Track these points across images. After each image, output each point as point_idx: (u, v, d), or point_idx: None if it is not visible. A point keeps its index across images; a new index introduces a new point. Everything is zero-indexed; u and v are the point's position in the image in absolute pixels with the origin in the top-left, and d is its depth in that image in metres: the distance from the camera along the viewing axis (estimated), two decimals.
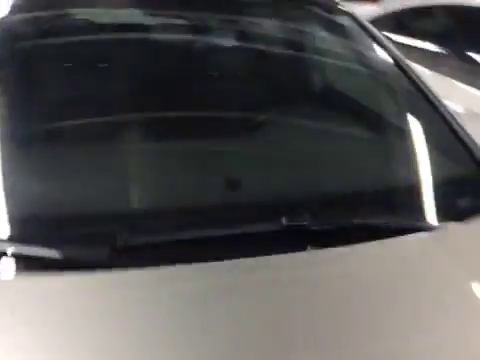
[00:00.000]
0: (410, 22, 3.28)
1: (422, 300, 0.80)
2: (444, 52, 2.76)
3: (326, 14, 1.60)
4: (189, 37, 1.51)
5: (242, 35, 1.59)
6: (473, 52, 2.56)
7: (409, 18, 3.27)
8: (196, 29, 1.53)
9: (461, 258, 0.90)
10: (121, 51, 1.32)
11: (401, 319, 0.76)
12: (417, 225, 0.97)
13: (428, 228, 0.97)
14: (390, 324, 0.75)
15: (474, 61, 2.53)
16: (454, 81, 2.35)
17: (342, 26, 1.54)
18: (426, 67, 2.36)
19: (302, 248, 0.85)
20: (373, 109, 1.40)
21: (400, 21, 3.21)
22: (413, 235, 0.93)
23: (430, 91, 1.33)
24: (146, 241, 0.82)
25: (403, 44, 2.75)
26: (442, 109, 1.30)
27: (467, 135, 1.23)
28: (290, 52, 1.62)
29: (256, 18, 1.62)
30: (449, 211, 1.03)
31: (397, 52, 1.47)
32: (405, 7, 3.07)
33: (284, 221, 0.86)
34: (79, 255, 0.81)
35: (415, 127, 1.26)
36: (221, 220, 0.89)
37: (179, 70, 1.33)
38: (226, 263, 0.80)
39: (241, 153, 1.12)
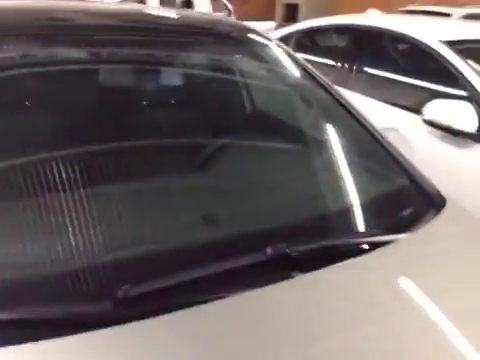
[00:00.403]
0: (309, 41, 3.58)
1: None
2: (343, 66, 3.05)
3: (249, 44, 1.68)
4: (113, 70, 1.51)
5: (171, 69, 1.64)
6: (368, 67, 2.87)
7: (308, 37, 3.57)
8: (123, 62, 1.53)
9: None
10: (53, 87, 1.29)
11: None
12: (374, 240, 1.08)
13: (385, 243, 1.06)
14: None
15: (370, 74, 2.85)
16: (363, 96, 2.62)
17: (269, 55, 1.64)
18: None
19: (289, 275, 0.91)
20: (309, 132, 1.52)
21: (299, 40, 3.50)
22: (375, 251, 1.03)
23: (359, 113, 1.48)
24: (145, 290, 0.81)
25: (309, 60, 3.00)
26: (369, 127, 1.46)
27: (396, 150, 1.41)
28: (223, 82, 1.70)
29: (183, 52, 1.65)
30: (401, 222, 1.17)
31: (321, 76, 1.61)
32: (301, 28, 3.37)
33: (269, 251, 0.92)
34: (81, 312, 0.78)
35: (353, 149, 1.41)
36: (209, 258, 0.91)
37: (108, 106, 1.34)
38: (224, 301, 0.84)
39: (199, 187, 1.16)
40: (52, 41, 1.32)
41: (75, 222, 0.90)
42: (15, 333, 0.73)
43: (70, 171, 0.95)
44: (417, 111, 2.30)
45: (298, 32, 3.53)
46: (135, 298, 0.80)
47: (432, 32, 2.60)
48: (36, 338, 0.72)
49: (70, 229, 0.89)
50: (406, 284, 0.99)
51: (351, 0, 10.66)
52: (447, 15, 6.04)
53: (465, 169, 2.11)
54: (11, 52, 1.20)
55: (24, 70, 1.31)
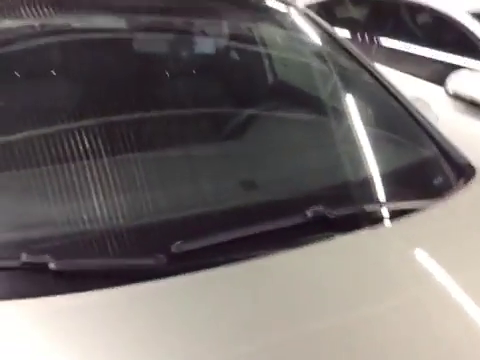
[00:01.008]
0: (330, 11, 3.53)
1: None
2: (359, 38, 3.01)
3: (280, 11, 1.68)
4: (141, 38, 1.52)
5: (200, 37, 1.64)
6: (390, 39, 2.84)
7: (329, 8, 3.51)
8: (148, 31, 1.54)
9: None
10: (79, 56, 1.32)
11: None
12: (405, 207, 1.09)
13: (414, 210, 1.09)
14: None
15: (392, 47, 2.82)
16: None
17: (298, 21, 1.64)
18: None
19: (329, 236, 0.95)
20: (342, 101, 1.53)
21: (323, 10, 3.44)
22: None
23: (389, 82, 1.49)
24: (197, 246, 0.86)
25: None
26: (399, 96, 1.47)
27: (425, 119, 1.42)
28: (251, 49, 1.71)
29: (210, 19, 1.66)
30: (431, 190, 1.20)
31: (350, 44, 1.61)
32: None
33: (308, 214, 0.95)
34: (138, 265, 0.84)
35: (382, 118, 1.42)
36: (256, 219, 0.95)
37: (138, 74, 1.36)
38: (273, 258, 0.88)
39: (240, 155, 1.19)
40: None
41: (138, 184, 0.95)
42: (81, 282, 0.80)
43: (127, 138, 1.00)
44: (441, 83, 2.29)
45: (316, 4, 3.48)
46: (186, 253, 0.85)
47: (457, 2, 2.55)
48: (100, 287, 0.78)
49: (132, 191, 0.95)
50: (432, 251, 1.02)
51: None
52: None
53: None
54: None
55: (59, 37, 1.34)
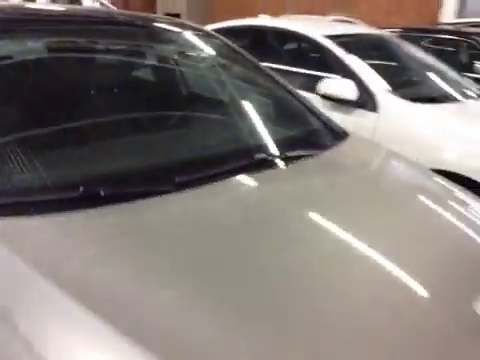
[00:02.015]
0: None
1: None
2: None
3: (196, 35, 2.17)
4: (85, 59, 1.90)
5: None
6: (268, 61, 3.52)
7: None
8: (90, 53, 1.92)
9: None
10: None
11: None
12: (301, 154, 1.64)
13: (313, 154, 1.66)
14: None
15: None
16: None
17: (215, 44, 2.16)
18: None
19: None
20: (253, 90, 2.12)
21: None
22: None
23: (283, 80, 2.08)
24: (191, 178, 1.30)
25: None
26: (294, 91, 2.06)
27: (311, 103, 2.04)
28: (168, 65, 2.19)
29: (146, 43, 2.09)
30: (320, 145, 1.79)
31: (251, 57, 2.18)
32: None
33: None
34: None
35: (284, 104, 2.02)
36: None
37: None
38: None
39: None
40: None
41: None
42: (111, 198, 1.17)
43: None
44: (311, 91, 3.00)
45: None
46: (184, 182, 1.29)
47: (317, 29, 3.34)
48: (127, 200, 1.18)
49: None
50: (318, 180, 1.59)
51: (225, 12, 11.78)
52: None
53: (349, 128, 2.83)
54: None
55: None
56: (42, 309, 0.85)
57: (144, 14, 2.14)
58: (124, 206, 1.16)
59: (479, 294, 1.13)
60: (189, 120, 1.83)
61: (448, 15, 8.78)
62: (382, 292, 1.06)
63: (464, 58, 5.24)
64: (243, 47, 3.35)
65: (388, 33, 4.11)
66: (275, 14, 8.36)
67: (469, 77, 4.01)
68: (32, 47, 1.66)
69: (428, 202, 1.59)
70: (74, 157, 1.33)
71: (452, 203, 1.63)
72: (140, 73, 2.06)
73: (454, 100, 3.07)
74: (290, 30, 3.49)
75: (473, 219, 1.52)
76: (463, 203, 1.62)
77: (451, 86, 3.27)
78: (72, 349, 0.79)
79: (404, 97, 2.88)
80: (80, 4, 6.36)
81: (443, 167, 2.43)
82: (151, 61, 2.05)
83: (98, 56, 1.85)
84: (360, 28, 4.26)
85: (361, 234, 1.25)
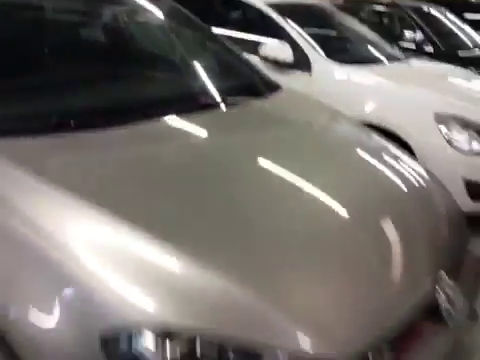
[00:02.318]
0: None
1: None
2: None
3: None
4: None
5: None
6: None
7: None
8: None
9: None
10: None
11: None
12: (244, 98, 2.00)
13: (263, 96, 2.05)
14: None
15: None
16: None
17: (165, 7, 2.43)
18: None
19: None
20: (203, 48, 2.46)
21: None
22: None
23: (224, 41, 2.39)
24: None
25: None
26: (237, 50, 2.39)
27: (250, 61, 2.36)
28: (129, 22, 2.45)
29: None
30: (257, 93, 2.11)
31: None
32: None
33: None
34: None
35: (230, 60, 2.36)
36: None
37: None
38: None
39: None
40: None
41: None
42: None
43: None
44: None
45: None
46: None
47: None
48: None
49: None
50: (261, 116, 1.97)
51: None
52: None
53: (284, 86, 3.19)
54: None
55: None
56: (36, 195, 1.14)
57: None
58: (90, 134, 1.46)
59: (384, 214, 1.46)
60: (145, 72, 2.11)
61: None
62: (305, 205, 1.37)
63: (398, 28, 5.71)
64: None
65: (327, 4, 4.47)
66: None
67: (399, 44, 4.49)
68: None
69: (346, 139, 1.99)
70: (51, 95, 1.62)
71: (363, 138, 2.02)
72: (100, 32, 2.30)
73: (379, 62, 3.48)
74: None
75: (383, 157, 1.86)
76: (398, 157, 1.93)
77: (378, 51, 3.69)
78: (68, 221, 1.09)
79: (335, 60, 3.25)
80: None
81: (366, 120, 2.82)
82: (110, 21, 2.31)
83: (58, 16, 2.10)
84: None
85: (286, 155, 1.62)
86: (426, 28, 5.22)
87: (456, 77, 3.58)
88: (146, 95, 1.79)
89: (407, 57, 3.84)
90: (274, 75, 2.85)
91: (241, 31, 3.62)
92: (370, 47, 3.77)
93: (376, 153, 1.86)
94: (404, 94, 2.97)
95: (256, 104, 2.01)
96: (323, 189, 1.44)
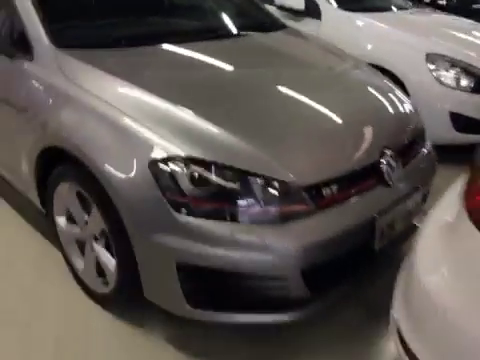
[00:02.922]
0: None
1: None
2: None
3: None
4: None
5: None
6: None
7: None
8: None
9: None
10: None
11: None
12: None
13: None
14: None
15: None
16: None
17: None
18: None
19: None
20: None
21: None
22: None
23: None
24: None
25: None
26: None
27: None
28: None
29: None
30: (268, 28, 2.60)
31: None
32: None
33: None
34: None
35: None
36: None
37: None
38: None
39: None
40: None
41: None
42: None
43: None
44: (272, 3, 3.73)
45: None
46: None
47: None
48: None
49: None
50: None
51: None
52: None
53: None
54: None
55: None
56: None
57: None
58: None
59: (358, 113, 1.92)
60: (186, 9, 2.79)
61: None
62: (324, 109, 1.86)
63: None
64: None
65: None
66: None
67: None
68: None
69: (350, 71, 2.43)
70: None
71: (357, 71, 2.46)
72: None
73: (384, 11, 3.85)
74: None
75: (379, 84, 2.32)
76: (369, 73, 2.46)
77: (384, 1, 4.06)
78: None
79: (344, 8, 3.65)
80: None
81: (365, 60, 3.24)
82: None
83: None
84: None
85: (302, 74, 2.17)
86: None
87: (452, 25, 3.94)
88: (186, 26, 2.44)
89: (413, 7, 4.19)
90: (288, 21, 3.31)
91: None
92: None
93: (355, 73, 2.41)
94: (400, 37, 3.37)
95: (263, 35, 2.54)
96: (313, 91, 1.98)
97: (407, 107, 2.14)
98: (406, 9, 4.08)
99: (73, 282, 1.99)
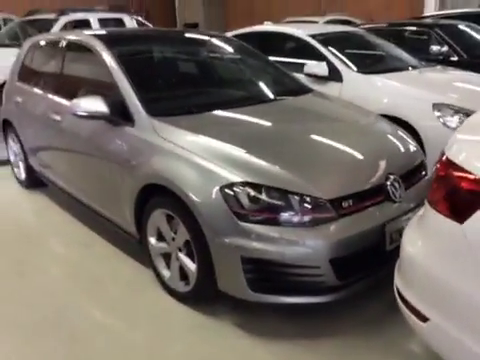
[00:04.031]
0: None
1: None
2: None
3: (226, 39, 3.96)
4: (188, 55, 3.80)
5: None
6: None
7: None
8: (190, 53, 3.81)
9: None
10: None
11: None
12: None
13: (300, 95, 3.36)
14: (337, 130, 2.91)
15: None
16: None
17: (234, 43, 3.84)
18: None
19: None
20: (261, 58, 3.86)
21: None
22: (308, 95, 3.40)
23: (268, 59, 3.80)
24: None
25: None
26: (276, 64, 3.74)
27: (286, 71, 3.67)
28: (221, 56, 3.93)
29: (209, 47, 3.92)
30: (297, 92, 3.38)
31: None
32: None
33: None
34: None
35: (270, 69, 3.76)
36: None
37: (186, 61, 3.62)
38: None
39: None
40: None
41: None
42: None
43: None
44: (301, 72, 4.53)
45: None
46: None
47: (303, 31, 4.89)
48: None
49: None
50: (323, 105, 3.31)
51: (236, 20, 13.67)
52: (315, 22, 8.67)
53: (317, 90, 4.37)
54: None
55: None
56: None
57: (200, 30, 3.99)
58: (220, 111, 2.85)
59: (370, 147, 2.63)
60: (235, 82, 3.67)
61: (430, 9, 10.15)
62: (343, 147, 2.58)
63: (425, 43, 6.69)
64: (255, 46, 4.93)
65: (357, 29, 5.64)
66: (278, 18, 9.93)
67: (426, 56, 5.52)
68: (153, 47, 3.57)
69: (363, 120, 3.14)
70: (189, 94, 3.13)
71: (370, 120, 3.15)
72: (209, 59, 3.92)
73: (398, 71, 4.56)
74: (285, 32, 5.09)
75: (388, 129, 3.00)
76: (380, 121, 3.15)
77: (398, 62, 4.80)
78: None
79: (360, 71, 4.40)
80: (124, 25, 8.01)
81: (382, 112, 3.91)
82: (208, 53, 3.91)
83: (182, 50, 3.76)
84: (335, 27, 5.80)
85: (326, 124, 2.91)
86: (451, 42, 6.19)
87: (457, 78, 4.60)
88: (236, 95, 3.31)
89: (424, 66, 4.89)
90: (314, 85, 4.08)
91: (290, 57, 4.92)
92: (392, 59, 4.91)
93: (369, 122, 3.11)
94: (410, 92, 4.04)
95: (295, 98, 3.30)
96: (335, 135, 2.69)
97: (409, 145, 2.79)
98: (418, 68, 4.79)
99: (155, 293, 2.66)
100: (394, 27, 7.27)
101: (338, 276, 2.16)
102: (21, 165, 4.40)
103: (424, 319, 1.59)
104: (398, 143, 2.77)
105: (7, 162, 4.77)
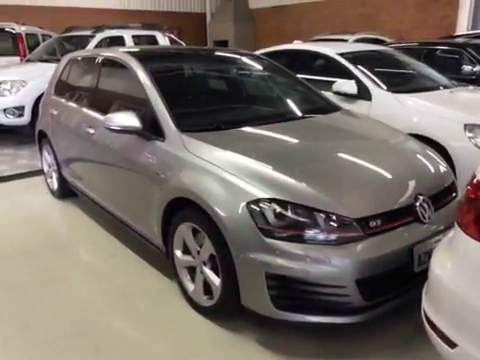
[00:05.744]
0: None
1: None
2: None
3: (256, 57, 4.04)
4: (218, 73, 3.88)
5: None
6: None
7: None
8: (220, 70, 3.88)
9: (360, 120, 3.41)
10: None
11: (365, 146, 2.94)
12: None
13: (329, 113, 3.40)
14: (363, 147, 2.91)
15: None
16: None
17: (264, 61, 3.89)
18: None
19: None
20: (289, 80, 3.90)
21: None
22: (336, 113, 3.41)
23: (298, 77, 3.83)
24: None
25: None
26: (307, 83, 3.76)
27: (317, 90, 3.68)
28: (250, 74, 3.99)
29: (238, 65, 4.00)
30: (326, 111, 3.40)
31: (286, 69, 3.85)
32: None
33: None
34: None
35: (301, 89, 3.76)
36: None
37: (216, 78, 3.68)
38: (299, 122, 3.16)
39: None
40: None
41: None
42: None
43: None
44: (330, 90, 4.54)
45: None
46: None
47: (332, 49, 4.92)
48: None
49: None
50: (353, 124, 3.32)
51: (265, 39, 13.91)
52: (344, 40, 8.68)
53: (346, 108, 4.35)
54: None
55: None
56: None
57: (229, 48, 4.12)
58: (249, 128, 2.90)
59: (401, 168, 2.61)
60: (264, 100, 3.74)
61: (462, 28, 10.02)
62: (371, 166, 2.57)
63: (457, 63, 6.61)
64: (284, 64, 4.98)
65: (386, 47, 5.63)
66: (308, 36, 9.99)
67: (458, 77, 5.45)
68: (185, 65, 3.69)
69: (392, 139, 3.11)
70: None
71: (399, 139, 3.12)
72: (238, 77, 3.99)
73: (426, 90, 4.52)
74: (314, 51, 5.12)
75: (417, 149, 2.98)
76: (409, 141, 3.11)
77: (429, 82, 4.74)
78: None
79: (389, 90, 4.37)
80: (157, 42, 8.23)
81: (412, 132, 3.88)
82: (237, 71, 3.99)
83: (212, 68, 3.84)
84: (364, 46, 5.79)
85: (355, 142, 2.90)
86: None
87: None
88: (265, 112, 3.35)
89: (456, 86, 4.82)
90: (343, 104, 4.08)
91: (319, 74, 4.94)
92: (423, 79, 4.86)
93: (398, 141, 3.07)
94: (441, 112, 3.99)
95: (324, 116, 3.31)
96: (363, 154, 2.68)
97: (439, 165, 2.75)
98: (449, 87, 4.72)
99: (179, 305, 2.67)
100: (425, 46, 7.24)
101: (364, 297, 2.13)
102: (54, 175, 4.54)
103: (452, 345, 1.55)
104: (428, 163, 2.73)
105: (41, 172, 4.95)
